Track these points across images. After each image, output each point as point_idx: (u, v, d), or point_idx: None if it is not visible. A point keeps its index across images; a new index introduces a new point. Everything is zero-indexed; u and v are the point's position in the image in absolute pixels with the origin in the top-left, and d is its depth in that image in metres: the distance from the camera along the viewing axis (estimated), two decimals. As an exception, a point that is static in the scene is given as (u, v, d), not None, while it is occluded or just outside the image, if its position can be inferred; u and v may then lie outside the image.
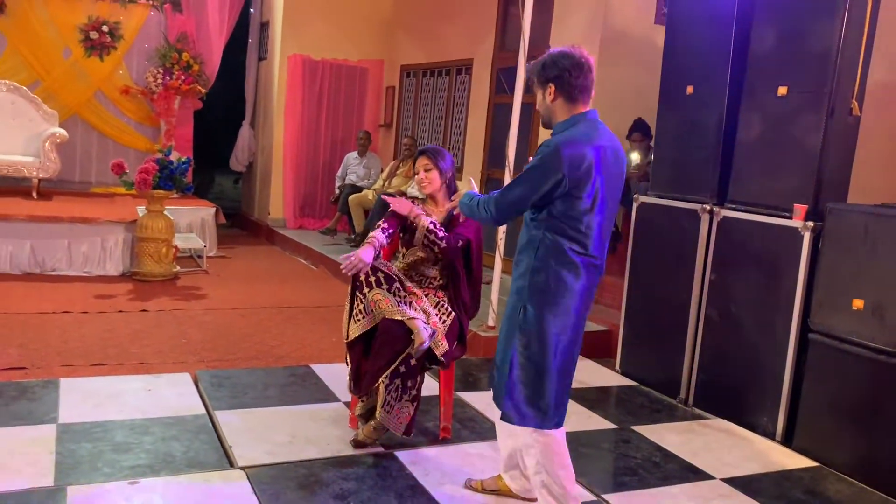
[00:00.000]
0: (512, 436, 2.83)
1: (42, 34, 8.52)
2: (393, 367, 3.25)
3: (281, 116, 9.36)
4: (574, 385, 4.48)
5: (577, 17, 6.35)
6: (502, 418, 2.69)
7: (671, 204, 4.59)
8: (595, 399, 4.39)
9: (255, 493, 2.88)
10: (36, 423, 3.34)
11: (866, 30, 3.91)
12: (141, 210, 6.95)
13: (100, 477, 2.90)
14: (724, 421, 4.17)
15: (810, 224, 3.82)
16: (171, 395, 3.83)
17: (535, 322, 2.55)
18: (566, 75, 2.57)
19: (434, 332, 3.27)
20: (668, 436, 3.88)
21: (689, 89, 4.50)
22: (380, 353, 3.27)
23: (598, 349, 5.32)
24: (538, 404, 2.60)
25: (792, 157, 3.99)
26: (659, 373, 4.64)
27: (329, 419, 3.67)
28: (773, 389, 3.97)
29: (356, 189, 8.51)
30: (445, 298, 3.47)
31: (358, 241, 8.00)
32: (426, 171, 3.48)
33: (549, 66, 2.59)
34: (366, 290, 3.33)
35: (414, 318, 3.21)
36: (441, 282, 3.53)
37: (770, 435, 3.97)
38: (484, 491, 3.05)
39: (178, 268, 6.86)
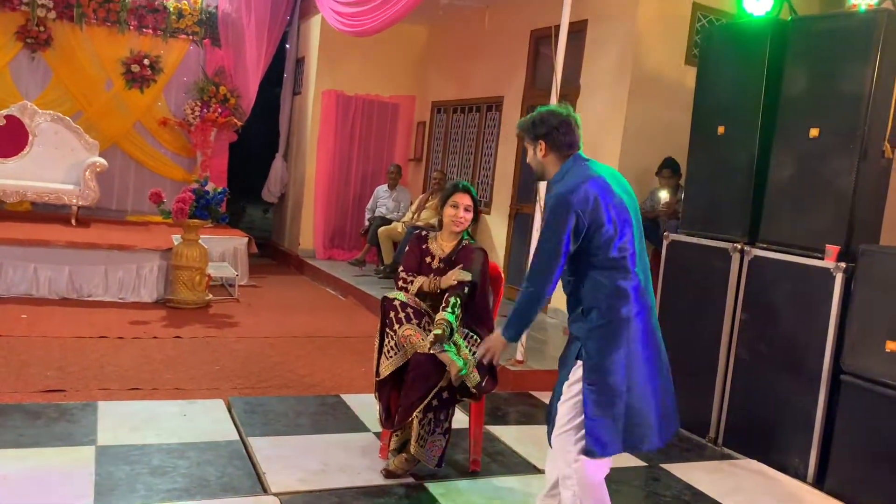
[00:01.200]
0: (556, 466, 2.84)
1: (86, 67, 8.82)
2: (426, 401, 3.30)
3: (314, 149, 9.54)
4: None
5: (607, 58, 6.45)
6: (587, 454, 2.68)
7: (702, 242, 4.61)
8: (624, 436, 4.38)
9: (289, 520, 2.92)
10: (75, 445, 3.42)
11: (898, 74, 3.95)
12: (176, 238, 7.11)
13: (137, 499, 2.97)
14: (755, 461, 4.14)
15: (842, 265, 3.83)
16: (206, 420, 3.90)
17: (597, 358, 2.63)
18: (555, 133, 2.74)
19: (466, 363, 3.31)
20: (698, 475, 3.87)
21: (721, 129, 4.54)
22: (413, 388, 3.31)
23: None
24: (610, 433, 2.65)
25: (824, 198, 4.02)
26: (688, 412, 4.57)
27: (359, 449, 3.71)
28: (805, 431, 3.94)
29: (386, 221, 8.61)
30: (471, 331, 3.51)
31: (386, 272, 8.09)
32: (466, 210, 3.52)
33: (538, 125, 2.75)
34: (396, 326, 3.39)
35: (445, 352, 3.26)
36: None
37: (801, 477, 3.93)
38: None
39: (211, 296, 6.98)
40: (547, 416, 2.89)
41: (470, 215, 3.55)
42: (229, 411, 4.07)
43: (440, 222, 3.63)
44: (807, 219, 4.10)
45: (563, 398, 2.73)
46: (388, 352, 3.41)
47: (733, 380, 4.35)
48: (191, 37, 9.26)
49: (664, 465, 3.95)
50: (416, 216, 8.47)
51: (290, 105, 10.39)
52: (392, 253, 8.33)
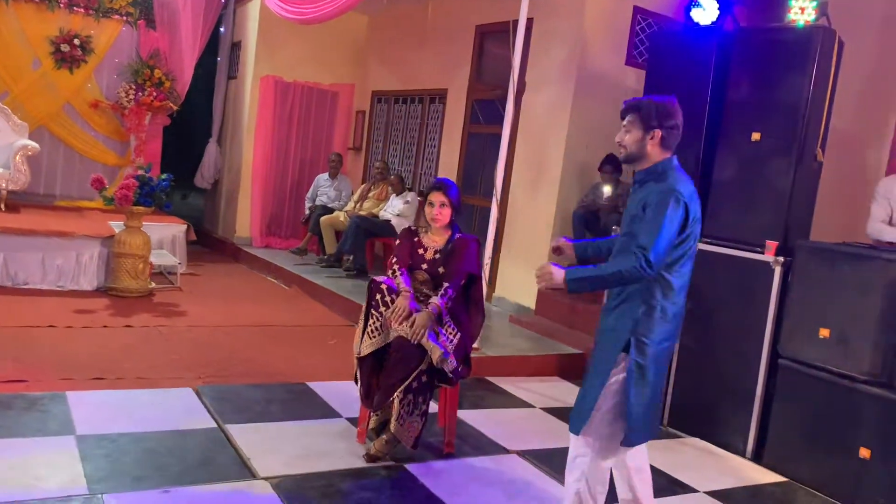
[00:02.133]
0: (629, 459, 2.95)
1: (11, 44, 8.45)
2: (406, 382, 3.45)
3: (251, 136, 9.46)
4: (555, 405, 4.81)
5: (554, 56, 6.70)
6: (626, 444, 2.81)
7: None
8: (578, 418, 4.66)
9: (283, 502, 3.02)
10: (54, 435, 3.41)
11: (830, 84, 4.34)
12: (116, 225, 6.97)
13: (132, 486, 3.01)
14: (699, 440, 4.49)
15: (781, 259, 4.20)
16: (179, 408, 3.94)
17: (652, 354, 2.72)
18: (675, 131, 2.80)
19: (447, 352, 3.48)
20: (651, 453, 4.12)
21: (669, 130, 4.84)
22: (395, 370, 3.47)
23: (574, 371, 5.60)
24: (653, 421, 2.83)
25: (764, 198, 4.37)
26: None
27: (336, 434, 3.83)
28: (745, 411, 4.30)
29: (327, 210, 8.65)
30: (450, 319, 3.68)
31: (330, 261, 8.14)
32: (441, 206, 3.69)
33: (664, 115, 2.77)
34: (382, 308, 3.53)
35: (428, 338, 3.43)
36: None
37: (741, 452, 4.29)
38: None
39: (154, 284, 6.89)
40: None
41: (447, 210, 3.71)
42: (200, 399, 4.10)
43: (424, 221, 3.84)
44: (748, 216, 4.45)
45: (603, 387, 2.77)
46: (372, 332, 3.55)
47: (678, 366, 4.68)
48: (124, 17, 9.00)
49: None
50: (358, 206, 8.54)
51: (224, 89, 10.24)
52: (334, 242, 8.38)
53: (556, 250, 3.22)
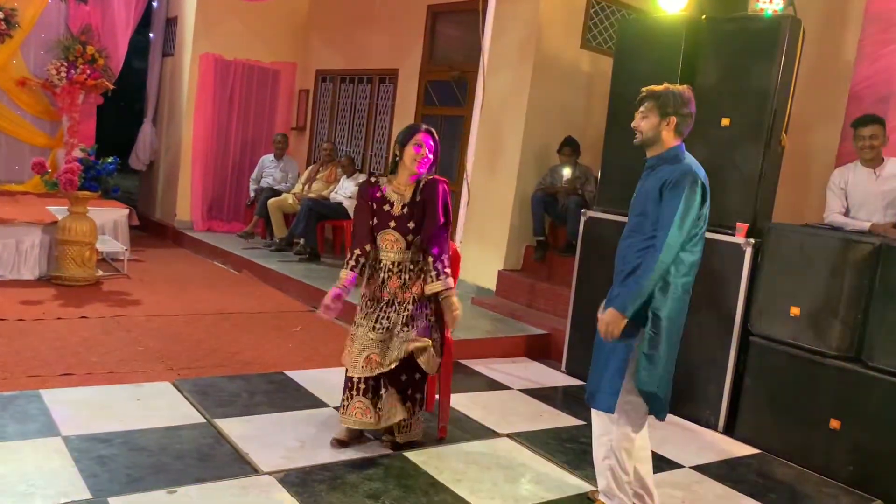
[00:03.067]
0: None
1: (-73, 17, 7.89)
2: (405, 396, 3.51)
3: (190, 115, 9.13)
4: (531, 386, 4.89)
5: (510, 39, 6.70)
6: (651, 413, 2.96)
7: (617, 219, 5.02)
8: (554, 397, 4.76)
9: (295, 497, 2.98)
10: (41, 437, 3.25)
11: (795, 71, 4.52)
12: (57, 211, 6.64)
13: (134, 487, 2.91)
14: (671, 415, 4.62)
15: (751, 241, 4.36)
16: (162, 404, 3.81)
17: (666, 326, 2.86)
18: (689, 119, 2.98)
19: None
20: (630, 430, 4.29)
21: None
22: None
23: (540, 351, 5.71)
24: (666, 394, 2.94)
25: (733, 181, 4.53)
26: (606, 373, 5.06)
27: (327, 424, 3.79)
28: (716, 387, 4.48)
29: (275, 193, 8.47)
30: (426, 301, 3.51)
31: (281, 245, 7.99)
32: (429, 151, 3.46)
33: (680, 104, 2.94)
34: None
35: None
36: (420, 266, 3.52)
37: (713, 426, 4.48)
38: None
39: (101, 272, 6.61)
40: (594, 384, 3.04)
41: (430, 159, 3.48)
42: (181, 394, 3.98)
43: (395, 164, 3.54)
44: (718, 199, 4.56)
45: (621, 363, 2.89)
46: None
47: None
48: (52, -10, 8.51)
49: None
50: (306, 188, 8.40)
51: (159, 67, 9.83)
52: (283, 225, 8.23)
53: None
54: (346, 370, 3.51)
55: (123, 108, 10.65)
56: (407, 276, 3.50)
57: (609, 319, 2.87)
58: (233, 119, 9.38)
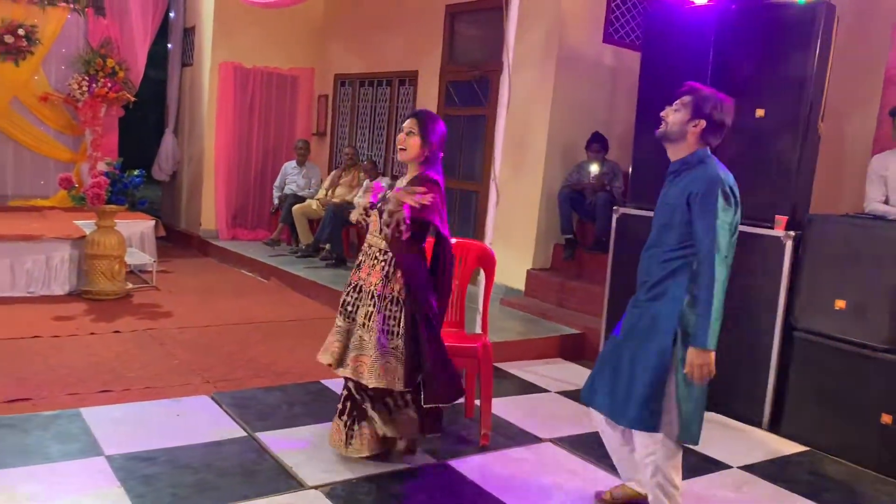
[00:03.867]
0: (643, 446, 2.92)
1: (-50, 37, 7.94)
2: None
3: (211, 124, 9.14)
4: (569, 388, 4.82)
5: (533, 36, 6.63)
6: (680, 439, 2.81)
7: (650, 215, 4.91)
8: (594, 400, 4.69)
9: (343, 512, 2.95)
10: (83, 457, 3.23)
11: (831, 58, 4.42)
12: (85, 225, 6.66)
13: (183, 507, 2.88)
14: (713, 413, 4.55)
15: (791, 233, 4.27)
16: (203, 419, 3.79)
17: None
18: (721, 129, 2.80)
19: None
20: (674, 430, 4.22)
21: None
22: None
23: (574, 352, 5.64)
24: (699, 420, 2.82)
25: (770, 173, 4.43)
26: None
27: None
28: (759, 383, 4.39)
29: (298, 199, 8.46)
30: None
31: (307, 251, 7.98)
32: (408, 134, 3.27)
33: (718, 109, 2.76)
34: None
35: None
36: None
37: (757, 424, 4.39)
38: (615, 500, 3.18)
39: (130, 285, 6.62)
40: (593, 387, 3.00)
41: (414, 140, 3.25)
42: (220, 407, 3.96)
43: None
44: (754, 192, 4.48)
45: (651, 378, 2.76)
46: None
47: (688, 341, 4.73)
48: (71, 5, 8.53)
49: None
50: (329, 193, 8.37)
51: (178, 78, 9.85)
52: (308, 231, 8.21)
53: None
54: None
55: (145, 120, 10.69)
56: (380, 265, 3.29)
57: (699, 361, 2.67)
58: (254, 127, 9.38)
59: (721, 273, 2.64)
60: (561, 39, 6.51)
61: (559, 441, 3.89)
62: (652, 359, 2.79)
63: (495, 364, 5.15)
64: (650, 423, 2.80)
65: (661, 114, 2.89)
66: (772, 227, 4.36)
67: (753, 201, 4.47)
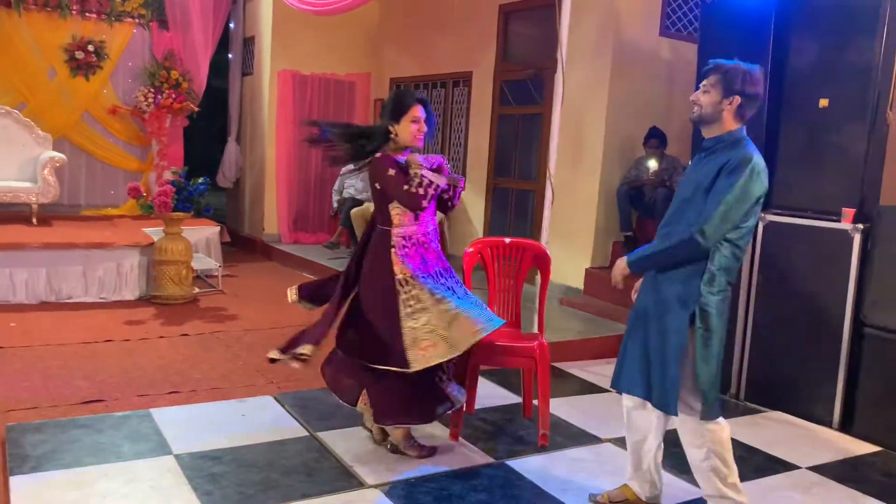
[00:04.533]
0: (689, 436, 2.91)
1: (26, 55, 8.31)
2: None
3: (272, 132, 9.34)
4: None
5: (587, 32, 6.57)
6: (702, 418, 2.80)
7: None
8: (655, 399, 4.62)
9: (403, 511, 2.99)
10: (153, 457, 3.35)
11: (898, 45, 4.25)
12: (153, 232, 6.88)
13: (249, 505, 2.96)
14: (781, 413, 4.45)
15: (860, 226, 4.13)
16: (266, 419, 3.89)
17: (717, 322, 2.72)
18: (754, 102, 2.77)
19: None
20: (738, 430, 4.07)
21: (727, 102, 4.75)
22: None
23: (635, 350, 5.56)
24: (718, 396, 2.81)
25: (836, 165, 4.30)
26: (707, 370, 4.88)
27: (428, 435, 3.78)
28: (828, 381, 4.26)
29: (357, 202, 8.55)
30: None
31: (366, 254, 8.06)
32: (424, 122, 3.31)
33: (748, 83, 2.72)
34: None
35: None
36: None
37: (827, 423, 4.26)
38: (612, 502, 3.17)
39: (197, 289, 6.82)
40: (619, 378, 3.01)
41: (424, 126, 3.33)
42: (283, 407, 4.05)
43: (393, 141, 3.34)
44: (819, 184, 4.38)
45: (674, 362, 2.73)
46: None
47: (752, 339, 4.63)
48: (136, 20, 8.84)
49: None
50: (387, 195, 8.44)
51: (239, 86, 10.10)
52: (367, 233, 8.30)
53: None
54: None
55: (208, 129, 10.98)
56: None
57: (617, 268, 2.93)
58: (313, 132, 9.51)
59: (697, 238, 2.64)
60: (616, 34, 6.44)
61: (619, 441, 3.84)
62: (672, 340, 2.76)
63: (554, 364, 5.14)
64: (710, 413, 2.80)
65: (692, 98, 2.85)
66: (839, 220, 4.22)
67: (818, 193, 4.37)
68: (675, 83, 6.67)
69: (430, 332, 3.20)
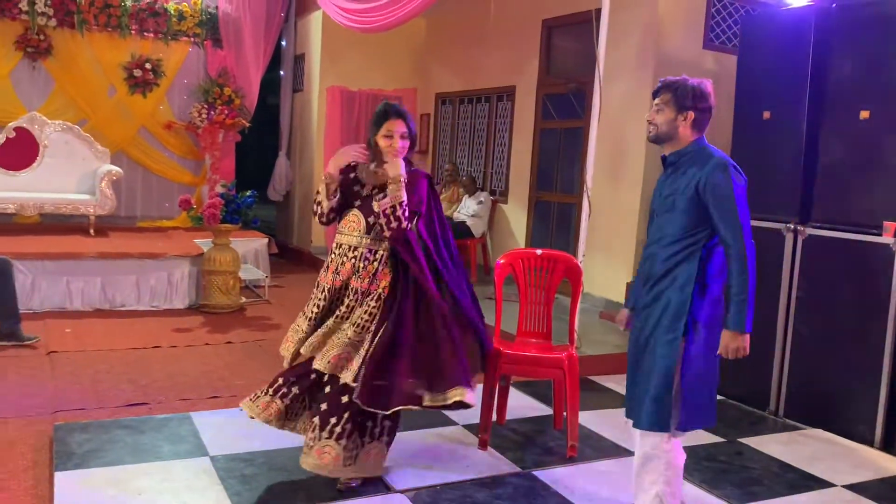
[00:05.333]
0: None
1: (88, 74, 8.69)
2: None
3: (320, 146, 9.55)
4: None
5: (629, 43, 6.58)
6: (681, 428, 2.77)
7: (752, 224, 4.73)
8: (691, 414, 4.57)
9: (426, 516, 3.03)
10: (190, 457, 3.48)
11: (942, 55, 4.16)
12: (202, 243, 7.11)
13: (277, 506, 3.05)
14: (820, 430, 4.36)
15: (902, 240, 4.04)
16: (300, 424, 3.98)
17: (706, 331, 2.70)
18: (707, 114, 2.81)
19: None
20: (775, 447, 4.07)
21: (766, 114, 4.72)
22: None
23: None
24: (710, 406, 2.79)
25: (877, 178, 4.22)
26: (746, 386, 4.81)
27: (457, 442, 3.83)
28: (870, 398, 4.15)
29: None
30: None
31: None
32: (402, 137, 3.17)
33: (699, 97, 2.77)
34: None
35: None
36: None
37: (868, 442, 4.15)
38: None
39: (244, 299, 7.01)
40: (635, 400, 2.90)
41: (407, 143, 3.20)
42: (318, 414, 4.14)
43: (375, 153, 3.23)
44: (860, 198, 4.30)
45: (661, 373, 2.70)
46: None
47: (792, 354, 4.55)
48: (192, 38, 9.18)
49: (741, 440, 4.14)
50: (431, 208, 8.53)
51: (290, 102, 10.36)
52: (411, 246, 8.40)
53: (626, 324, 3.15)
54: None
55: (259, 144, 11.28)
56: (361, 265, 3.23)
57: (734, 345, 2.66)
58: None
59: (750, 257, 2.63)
60: (658, 47, 6.43)
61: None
62: (666, 346, 2.73)
63: (590, 377, 5.15)
64: (661, 420, 2.73)
65: (647, 117, 2.88)
66: (880, 234, 4.13)
67: (858, 207, 4.30)
68: (718, 95, 6.57)
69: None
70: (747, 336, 2.66)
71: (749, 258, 2.64)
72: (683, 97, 2.76)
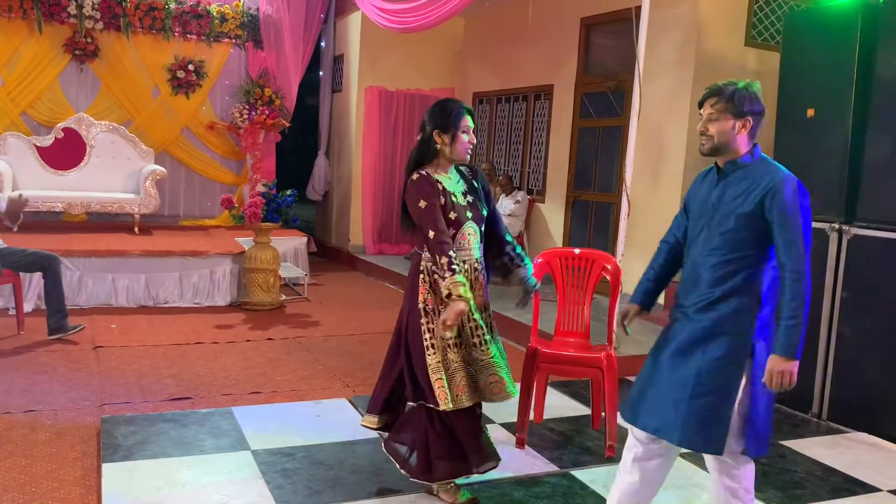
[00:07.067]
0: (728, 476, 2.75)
1: (133, 75, 8.88)
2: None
3: (359, 146, 9.62)
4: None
5: (669, 41, 6.52)
6: (749, 454, 2.66)
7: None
8: (731, 415, 4.52)
9: (464, 513, 3.05)
10: (232, 451, 3.54)
11: None
12: (244, 242, 7.22)
13: (316, 500, 3.10)
14: (864, 434, 4.27)
15: (952, 240, 3.94)
16: (339, 419, 4.04)
17: (766, 355, 2.54)
18: (761, 118, 2.63)
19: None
20: (818, 450, 4.00)
21: (811, 112, 4.64)
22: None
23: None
24: (769, 431, 2.70)
25: (926, 176, 4.12)
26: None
27: (495, 440, 3.81)
28: (917, 402, 4.07)
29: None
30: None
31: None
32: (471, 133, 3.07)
33: (755, 101, 2.59)
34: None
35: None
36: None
37: (915, 447, 4.06)
38: None
39: (284, 296, 7.10)
40: (634, 409, 2.85)
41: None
42: (356, 409, 4.19)
43: (435, 151, 3.05)
44: (907, 197, 4.20)
45: (727, 397, 2.58)
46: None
47: (836, 356, 4.47)
48: (233, 40, 9.32)
49: (783, 443, 4.07)
50: (469, 208, 8.55)
51: (329, 103, 10.46)
52: (448, 245, 8.42)
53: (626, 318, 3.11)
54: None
55: (299, 144, 11.41)
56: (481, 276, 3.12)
57: (780, 369, 2.46)
58: (397, 147, 9.77)
59: (807, 283, 2.47)
60: (699, 46, 6.36)
61: (689, 455, 3.79)
62: (730, 370, 2.57)
63: (630, 378, 5.10)
64: (717, 444, 2.58)
65: (699, 129, 2.68)
66: (928, 234, 4.04)
67: (907, 207, 4.19)
68: (765, 94, 6.50)
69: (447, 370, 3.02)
70: (797, 363, 2.48)
71: (806, 282, 2.47)
72: (741, 103, 2.56)
